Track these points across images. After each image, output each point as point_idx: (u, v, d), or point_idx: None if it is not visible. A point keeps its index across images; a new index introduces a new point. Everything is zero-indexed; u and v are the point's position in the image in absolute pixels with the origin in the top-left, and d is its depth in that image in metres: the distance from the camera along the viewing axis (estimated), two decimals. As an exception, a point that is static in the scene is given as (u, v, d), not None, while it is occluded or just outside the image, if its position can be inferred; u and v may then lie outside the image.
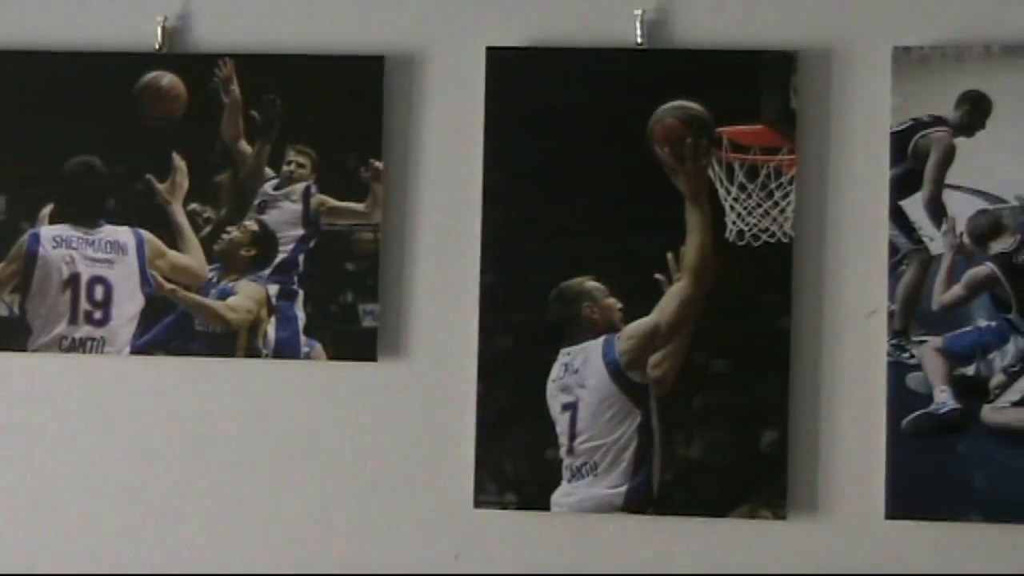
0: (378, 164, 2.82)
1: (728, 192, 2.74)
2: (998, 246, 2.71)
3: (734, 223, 2.74)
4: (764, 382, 2.71)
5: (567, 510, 2.75)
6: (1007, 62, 2.69)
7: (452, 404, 2.80)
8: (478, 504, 2.77)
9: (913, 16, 2.74)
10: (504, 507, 2.76)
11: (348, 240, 2.83)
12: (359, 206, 2.83)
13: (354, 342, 2.81)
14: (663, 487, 2.72)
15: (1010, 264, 2.70)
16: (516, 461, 2.76)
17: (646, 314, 2.74)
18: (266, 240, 2.84)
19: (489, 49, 2.79)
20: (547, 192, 2.78)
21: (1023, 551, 2.68)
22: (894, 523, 2.67)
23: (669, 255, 2.74)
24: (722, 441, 2.72)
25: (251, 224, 2.85)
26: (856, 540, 2.72)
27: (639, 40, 2.78)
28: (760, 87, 2.74)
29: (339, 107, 2.82)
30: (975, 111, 2.70)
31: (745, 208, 2.74)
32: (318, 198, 2.84)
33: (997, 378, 2.69)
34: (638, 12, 2.78)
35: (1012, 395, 2.68)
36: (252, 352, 2.83)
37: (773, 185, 2.74)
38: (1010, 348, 2.69)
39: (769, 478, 2.71)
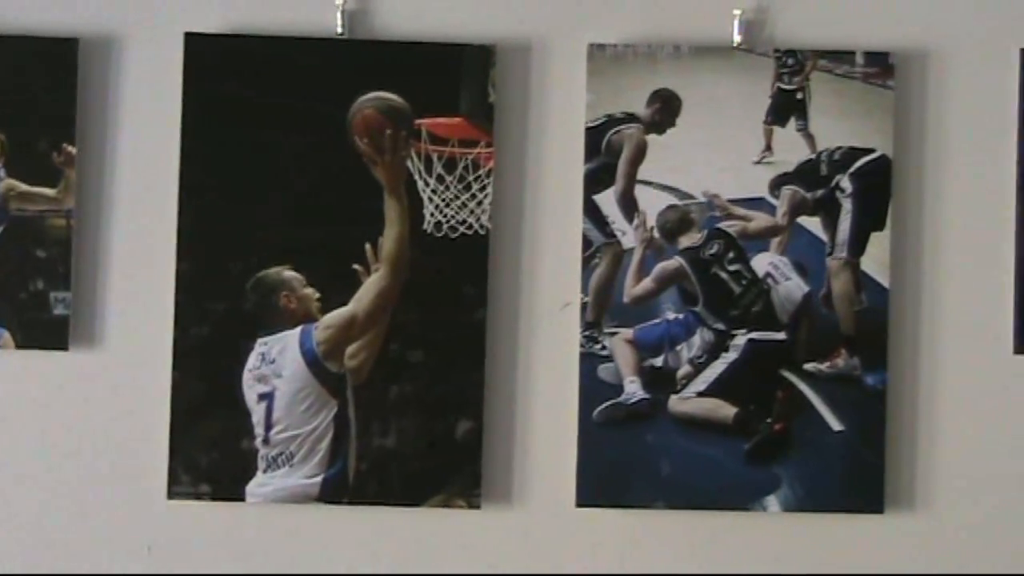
0: (71, 149, 2.75)
1: (426, 184, 2.76)
2: (686, 241, 2.78)
3: (432, 215, 2.76)
4: (460, 372, 2.74)
5: (262, 500, 2.73)
6: (696, 62, 2.77)
7: (145, 394, 2.75)
8: (172, 495, 2.73)
9: (608, 14, 2.80)
10: (198, 498, 2.73)
11: (39, 226, 2.75)
12: (50, 191, 2.76)
13: (44, 330, 2.74)
14: (359, 477, 2.73)
15: (697, 259, 2.78)
16: (211, 452, 2.73)
17: (344, 304, 2.74)
18: (-49, 225, 2.76)
19: (187, 35, 2.76)
20: (245, 181, 2.75)
21: (701, 535, 2.77)
22: (584, 511, 2.73)
23: (367, 246, 2.74)
24: (418, 431, 2.74)
25: (-65, 208, 2.77)
26: (548, 529, 2.77)
27: (340, 30, 2.77)
28: (459, 80, 2.77)
29: (30, 89, 2.74)
30: (666, 109, 2.77)
31: (443, 200, 2.76)
32: (7, 183, 2.76)
33: (684, 369, 2.77)
34: (339, 2, 2.77)
35: (697, 386, 2.76)
36: (-65, 340, 2.75)
37: (471, 177, 2.76)
38: (696, 340, 2.77)
39: (464, 468, 2.73)
